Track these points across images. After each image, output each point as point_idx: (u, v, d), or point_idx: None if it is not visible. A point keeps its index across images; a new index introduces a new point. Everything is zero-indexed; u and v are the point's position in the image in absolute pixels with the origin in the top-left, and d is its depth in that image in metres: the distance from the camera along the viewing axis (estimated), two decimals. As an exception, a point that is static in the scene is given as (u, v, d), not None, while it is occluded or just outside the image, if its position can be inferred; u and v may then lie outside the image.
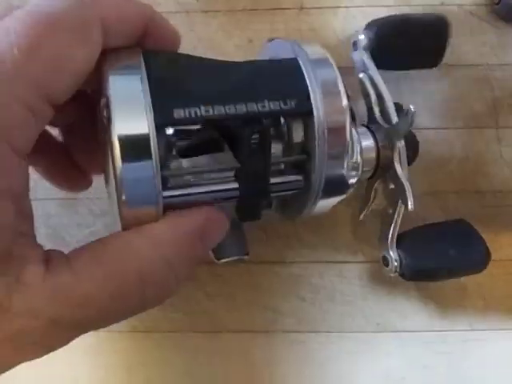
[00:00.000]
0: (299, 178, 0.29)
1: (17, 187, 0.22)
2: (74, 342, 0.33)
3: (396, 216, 0.35)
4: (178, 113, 0.25)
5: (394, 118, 0.34)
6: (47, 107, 0.23)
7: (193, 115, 0.25)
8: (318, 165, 0.28)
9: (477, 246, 0.35)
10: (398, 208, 0.35)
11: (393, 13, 0.41)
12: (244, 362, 0.38)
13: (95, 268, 0.23)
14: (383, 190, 0.36)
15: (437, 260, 0.35)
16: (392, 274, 0.35)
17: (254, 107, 0.27)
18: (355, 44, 0.38)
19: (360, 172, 0.33)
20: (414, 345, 0.39)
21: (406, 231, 0.36)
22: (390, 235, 0.35)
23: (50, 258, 0.23)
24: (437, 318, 0.39)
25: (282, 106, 0.27)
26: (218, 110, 0.26)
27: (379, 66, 0.37)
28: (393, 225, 0.35)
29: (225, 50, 0.42)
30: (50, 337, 0.22)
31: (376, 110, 0.35)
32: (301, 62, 0.28)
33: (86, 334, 0.34)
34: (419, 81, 0.41)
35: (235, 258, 0.31)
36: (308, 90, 0.28)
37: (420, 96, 0.41)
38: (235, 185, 0.28)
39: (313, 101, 0.27)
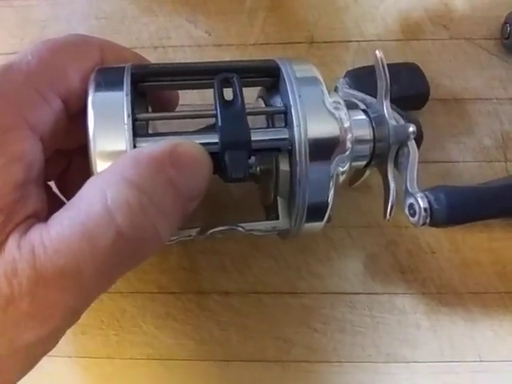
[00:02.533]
0: (284, 132, 0.29)
1: (29, 158, 0.25)
2: (89, 369, 0.35)
3: (411, 154, 0.31)
4: (152, 66, 0.31)
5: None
6: (57, 100, 0.27)
7: (165, 66, 0.31)
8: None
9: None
10: (409, 147, 0.31)
11: (402, 47, 0.43)
12: (256, 391, 0.39)
13: (62, 213, 0.23)
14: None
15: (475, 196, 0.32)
16: (421, 226, 0.31)
17: (221, 63, 0.32)
18: (336, 88, 0.39)
19: (350, 161, 0.31)
20: (423, 375, 0.39)
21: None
22: (409, 178, 0.31)
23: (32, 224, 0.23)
24: (446, 348, 0.39)
25: (249, 63, 0.32)
26: (189, 64, 0.32)
27: None
28: (409, 165, 0.31)
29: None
30: (41, 303, 0.22)
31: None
32: (279, 62, 0.31)
33: (100, 362, 0.35)
34: (428, 114, 0.42)
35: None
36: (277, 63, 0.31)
37: (429, 129, 0.41)
38: (216, 138, 0.27)
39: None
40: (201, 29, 0.45)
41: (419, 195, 0.30)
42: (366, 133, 0.32)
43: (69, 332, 0.25)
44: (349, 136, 0.30)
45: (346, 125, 0.30)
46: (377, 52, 0.32)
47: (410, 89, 0.40)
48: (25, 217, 0.24)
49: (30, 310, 0.22)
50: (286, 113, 0.29)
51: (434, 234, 0.40)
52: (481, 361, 0.39)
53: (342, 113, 0.30)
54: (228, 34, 0.45)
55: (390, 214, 0.32)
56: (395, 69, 0.39)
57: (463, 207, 0.32)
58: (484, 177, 0.41)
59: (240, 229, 0.30)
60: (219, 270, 0.40)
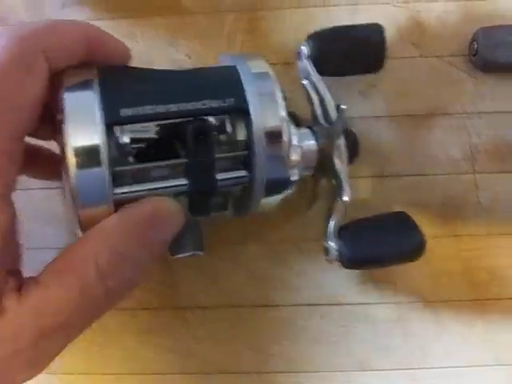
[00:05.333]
0: (244, 173, 0.32)
1: (2, 225, 0.26)
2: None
3: (335, 210, 0.36)
4: (125, 112, 0.29)
5: (334, 118, 0.36)
6: (19, 145, 0.26)
7: (139, 113, 0.29)
8: (259, 161, 0.31)
9: (413, 236, 0.37)
10: (336, 202, 0.36)
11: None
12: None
13: (60, 276, 0.26)
14: (328, 187, 0.38)
15: (374, 250, 0.37)
16: (331, 263, 0.37)
17: (196, 105, 0.30)
18: (299, 54, 0.40)
19: (301, 170, 0.35)
20: (397, 381, 0.40)
21: (348, 223, 0.37)
22: (329, 228, 0.37)
23: (22, 283, 0.26)
24: (418, 355, 0.41)
25: (222, 104, 0.31)
26: (162, 109, 0.29)
27: (324, 72, 0.39)
28: (331, 218, 0.36)
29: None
30: (41, 352, 0.25)
31: (318, 112, 0.37)
32: (239, 68, 0.32)
33: (83, 378, 0.37)
34: (399, 129, 0.44)
35: (190, 253, 0.32)
36: (244, 92, 0.31)
37: (400, 143, 0.43)
38: (184, 181, 0.30)
39: (251, 105, 0.31)
40: (182, 52, 0.47)
41: (333, 245, 0.36)
42: (313, 158, 0.36)
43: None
44: (300, 172, 0.34)
45: (300, 169, 0.34)
46: (342, 106, 0.35)
47: (371, 47, 0.41)
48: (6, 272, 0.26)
49: (30, 359, 0.25)
50: (249, 156, 0.31)
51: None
52: (452, 366, 0.40)
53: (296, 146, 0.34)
54: (208, 56, 0.47)
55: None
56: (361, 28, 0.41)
57: (365, 260, 0.37)
58: (453, 189, 0.43)
59: (200, 253, 0.32)
60: (197, 285, 0.41)
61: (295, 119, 0.35)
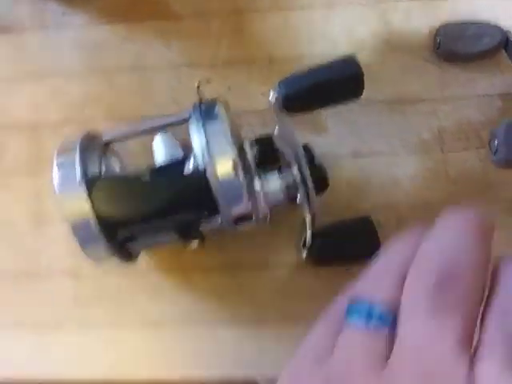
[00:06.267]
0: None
1: None
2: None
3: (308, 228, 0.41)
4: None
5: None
6: None
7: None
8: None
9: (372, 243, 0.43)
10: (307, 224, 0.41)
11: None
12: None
13: None
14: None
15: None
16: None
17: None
18: (270, 104, 0.39)
19: (269, 204, 0.38)
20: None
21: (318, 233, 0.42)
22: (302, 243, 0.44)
23: None
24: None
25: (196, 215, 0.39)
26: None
27: (298, 111, 0.40)
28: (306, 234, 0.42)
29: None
30: None
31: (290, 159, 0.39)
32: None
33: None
34: (376, 115, 0.49)
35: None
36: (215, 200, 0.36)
37: (376, 128, 0.48)
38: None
39: (206, 158, 0.36)
40: (175, 52, 0.52)
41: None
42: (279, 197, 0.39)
43: None
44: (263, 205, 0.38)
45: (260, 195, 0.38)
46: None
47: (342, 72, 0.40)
48: None
49: None
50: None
51: (383, 215, 0.45)
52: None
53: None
54: (199, 55, 0.52)
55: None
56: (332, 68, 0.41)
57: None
58: (424, 165, 0.47)
59: None
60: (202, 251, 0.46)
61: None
